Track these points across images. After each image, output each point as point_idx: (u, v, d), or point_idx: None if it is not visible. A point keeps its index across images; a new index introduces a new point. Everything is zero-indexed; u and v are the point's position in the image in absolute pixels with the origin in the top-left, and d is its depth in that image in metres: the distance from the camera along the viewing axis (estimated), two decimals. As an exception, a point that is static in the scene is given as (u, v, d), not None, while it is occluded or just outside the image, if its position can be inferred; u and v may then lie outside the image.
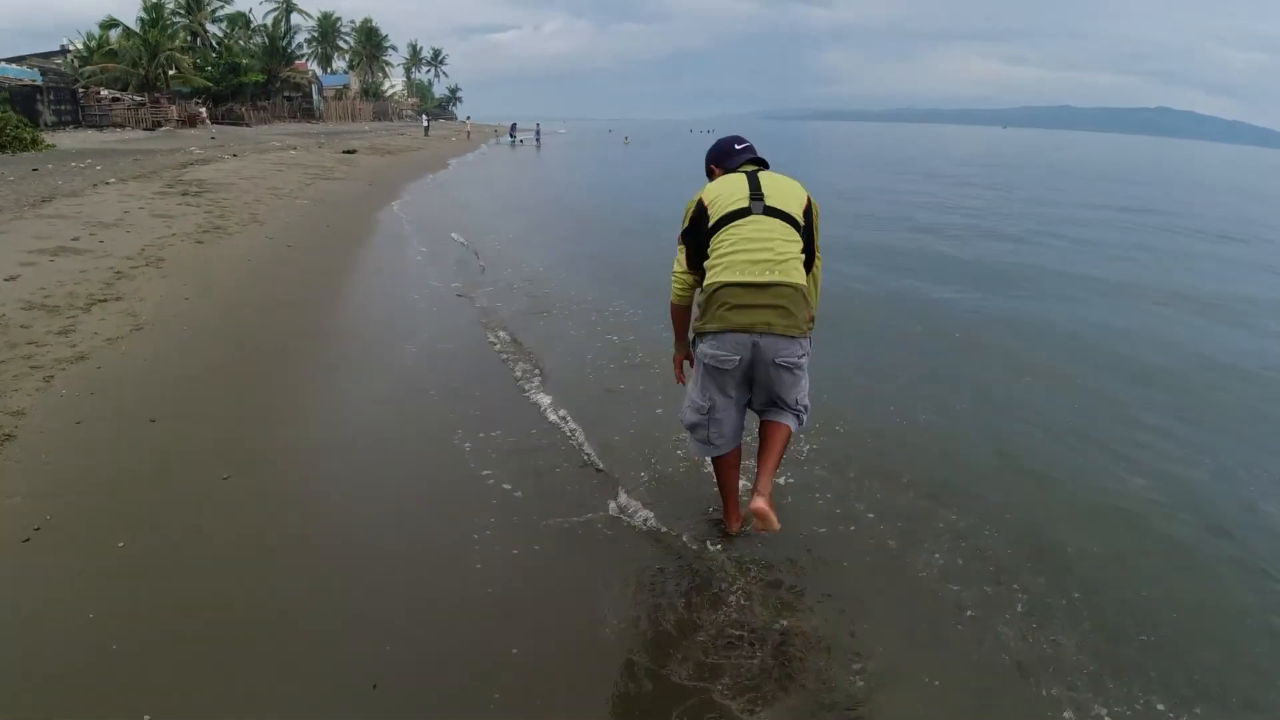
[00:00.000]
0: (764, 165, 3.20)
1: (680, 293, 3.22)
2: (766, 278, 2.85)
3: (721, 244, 2.93)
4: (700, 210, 3.01)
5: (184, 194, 12.51)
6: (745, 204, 2.94)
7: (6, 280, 6.64)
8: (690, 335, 3.23)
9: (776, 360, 2.89)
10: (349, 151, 24.57)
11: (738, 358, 2.90)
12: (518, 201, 16.92)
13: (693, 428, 3.17)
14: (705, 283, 2.99)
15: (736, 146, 3.22)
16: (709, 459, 3.34)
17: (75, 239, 8.47)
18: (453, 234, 11.10)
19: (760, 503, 2.84)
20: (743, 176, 3.04)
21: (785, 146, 48.78)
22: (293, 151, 23.25)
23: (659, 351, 5.41)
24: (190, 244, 8.73)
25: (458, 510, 3.55)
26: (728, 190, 2.99)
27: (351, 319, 6.67)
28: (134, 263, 7.62)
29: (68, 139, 26.45)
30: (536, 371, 5.39)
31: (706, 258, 3.00)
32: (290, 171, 17.55)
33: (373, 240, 10.28)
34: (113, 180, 13.60)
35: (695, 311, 3.13)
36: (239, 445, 4.07)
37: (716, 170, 3.22)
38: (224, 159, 19.43)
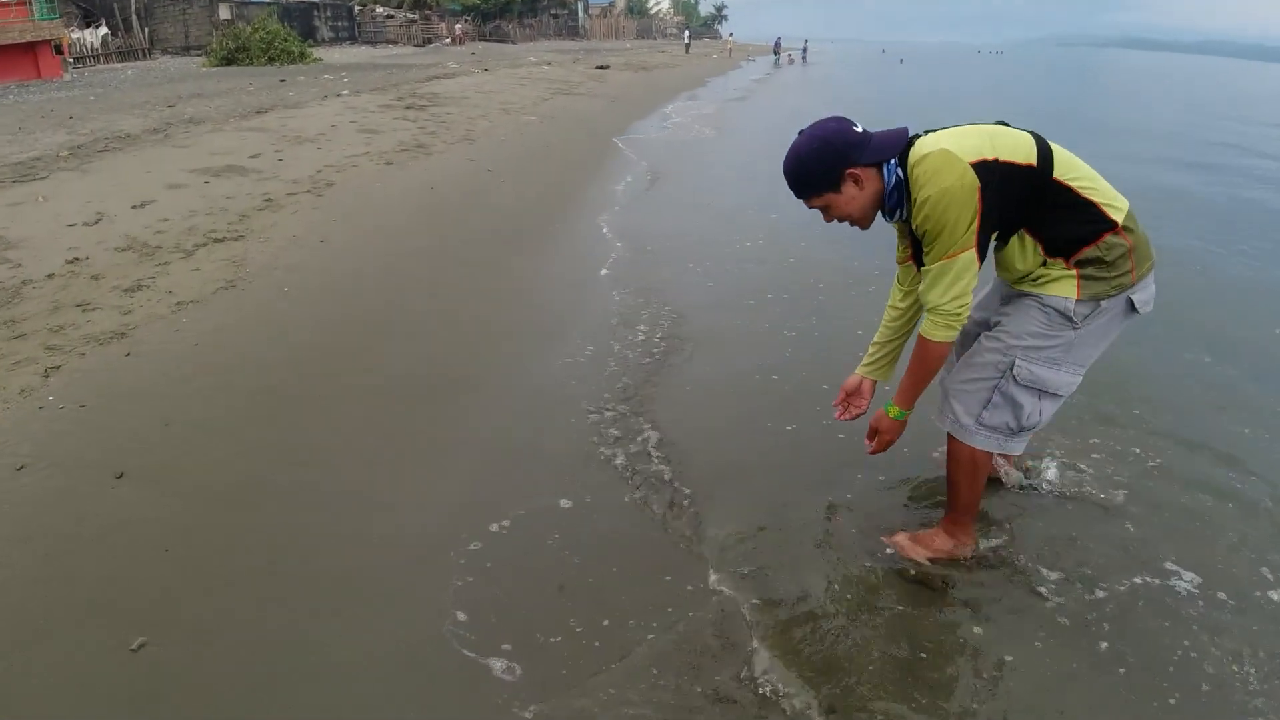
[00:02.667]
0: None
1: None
2: None
3: (1076, 177, 2.00)
4: (999, 168, 1.93)
5: (408, 107, 11.26)
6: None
7: (134, 207, 5.31)
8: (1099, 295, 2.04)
9: None
10: (602, 67, 22.89)
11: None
12: (773, 127, 14.21)
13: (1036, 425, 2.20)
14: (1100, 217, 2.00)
15: (858, 129, 2.03)
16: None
17: (255, 156, 7.20)
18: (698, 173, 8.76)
19: None
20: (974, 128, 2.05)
21: (1079, 77, 40.54)
22: (545, 67, 21.97)
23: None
24: (378, 165, 7.16)
25: None
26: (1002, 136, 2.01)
27: (522, 297, 4.40)
28: (297, 188, 6.11)
29: (339, 54, 27.24)
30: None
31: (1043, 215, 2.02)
32: (533, 87, 16.07)
33: (595, 169, 8.18)
34: (345, 92, 12.73)
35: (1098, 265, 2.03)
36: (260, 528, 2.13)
37: (860, 172, 2.01)
38: (473, 73, 18.46)
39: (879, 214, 2.11)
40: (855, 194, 2.04)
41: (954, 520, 2.33)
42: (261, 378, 3.17)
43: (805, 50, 46.79)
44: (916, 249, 2.12)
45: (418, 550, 2.25)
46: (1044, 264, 2.08)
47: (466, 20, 42.61)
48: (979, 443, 2.19)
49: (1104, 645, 1.98)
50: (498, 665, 1.84)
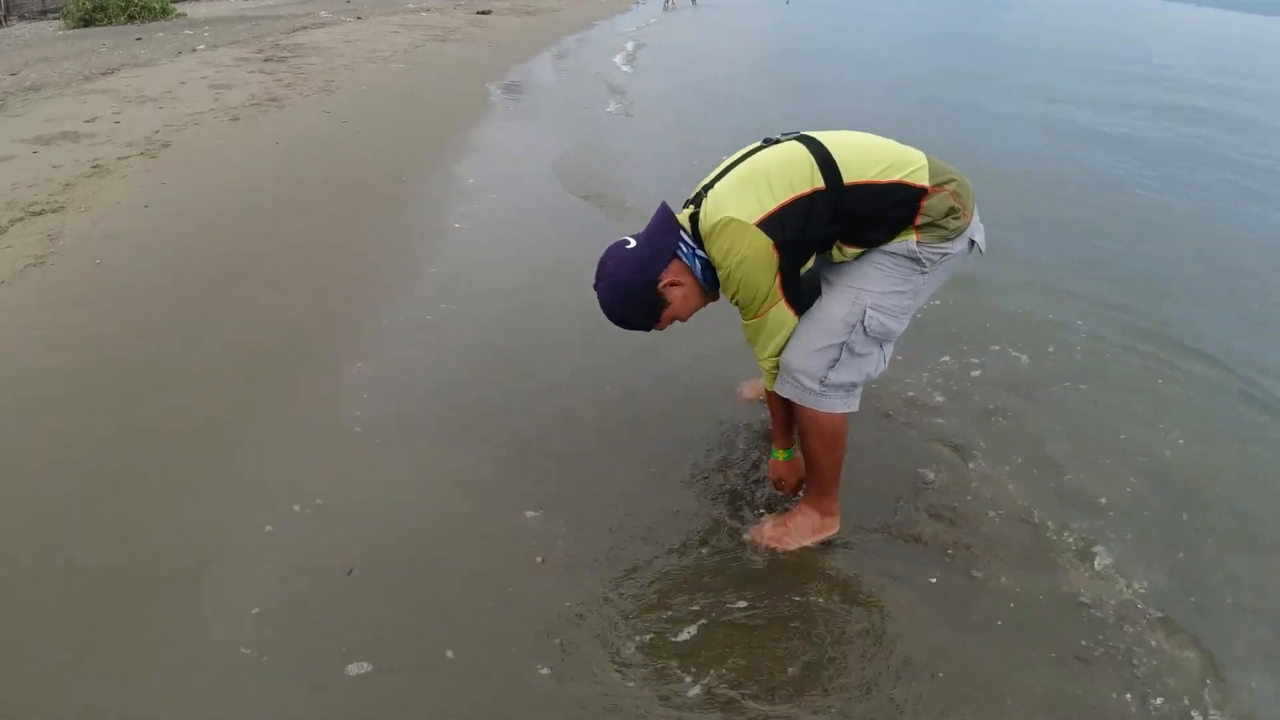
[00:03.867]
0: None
1: None
2: None
3: (865, 169, 1.96)
4: (788, 212, 1.93)
5: (267, 60, 10.75)
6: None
7: (-54, 181, 4.99)
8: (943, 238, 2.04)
9: None
10: (484, 12, 22.15)
11: None
12: (662, 73, 14.12)
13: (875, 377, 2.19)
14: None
15: (630, 244, 2.07)
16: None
17: (91, 120, 6.80)
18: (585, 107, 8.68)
19: None
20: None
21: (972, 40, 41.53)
22: (424, 13, 21.15)
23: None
24: (223, 122, 6.86)
25: None
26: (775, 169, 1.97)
27: (366, 253, 4.32)
28: (130, 150, 5.82)
29: (205, 8, 25.59)
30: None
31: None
32: (408, 34, 15.49)
33: (462, 116, 8.03)
34: (202, 47, 12.07)
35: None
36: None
37: (668, 276, 2.03)
38: (345, 21, 17.66)
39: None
40: (682, 293, 2.06)
41: (819, 494, 2.28)
42: (68, 357, 3.08)
43: None
44: None
45: (215, 539, 2.20)
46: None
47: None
48: (828, 405, 2.10)
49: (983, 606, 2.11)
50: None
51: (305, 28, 15.84)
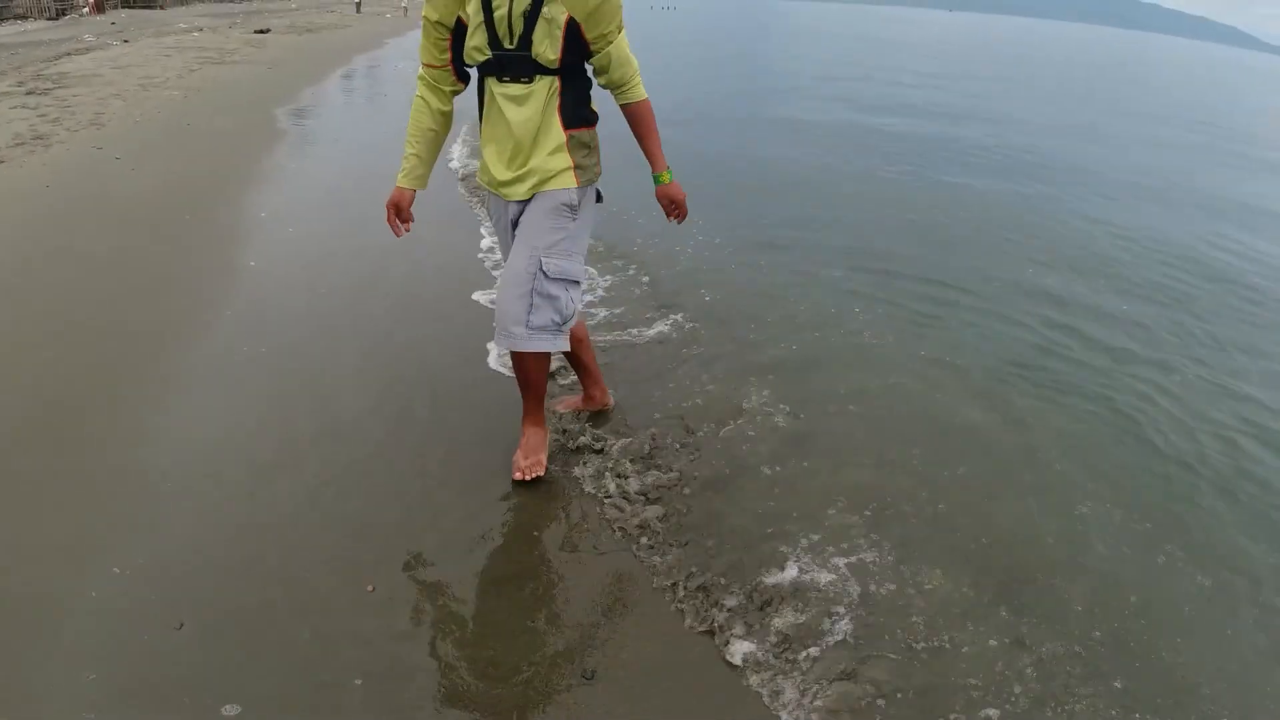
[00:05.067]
0: None
1: None
2: None
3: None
4: None
5: (29, 93, 10.29)
6: None
7: None
8: (587, 182, 2.63)
9: None
10: (262, 31, 21.62)
11: None
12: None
13: (573, 314, 2.66)
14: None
15: None
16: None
17: None
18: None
19: None
20: None
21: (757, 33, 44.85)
22: (195, 34, 20.38)
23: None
24: (-15, 165, 6.70)
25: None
26: None
27: (153, 294, 4.22)
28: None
29: (-58, 34, 23.16)
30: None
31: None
32: (180, 57, 15.04)
33: (244, 145, 8.18)
34: (-55, 81, 11.24)
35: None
36: None
37: None
38: (111, 46, 16.81)
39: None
40: None
41: (537, 420, 2.83)
42: None
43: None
44: (457, 53, 2.45)
45: (27, 604, 2.16)
46: (552, 150, 2.46)
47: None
48: (536, 345, 2.52)
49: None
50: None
51: (69, 54, 15.01)
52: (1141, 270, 5.77)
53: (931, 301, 4.80)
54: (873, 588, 2.40)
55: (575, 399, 3.27)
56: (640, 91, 2.55)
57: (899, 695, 2.05)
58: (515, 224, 2.60)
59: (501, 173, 2.51)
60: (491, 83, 2.45)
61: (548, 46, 2.33)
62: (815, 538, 2.60)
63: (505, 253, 2.68)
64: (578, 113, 2.50)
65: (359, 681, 1.99)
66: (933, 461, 3.13)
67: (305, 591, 2.27)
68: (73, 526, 2.47)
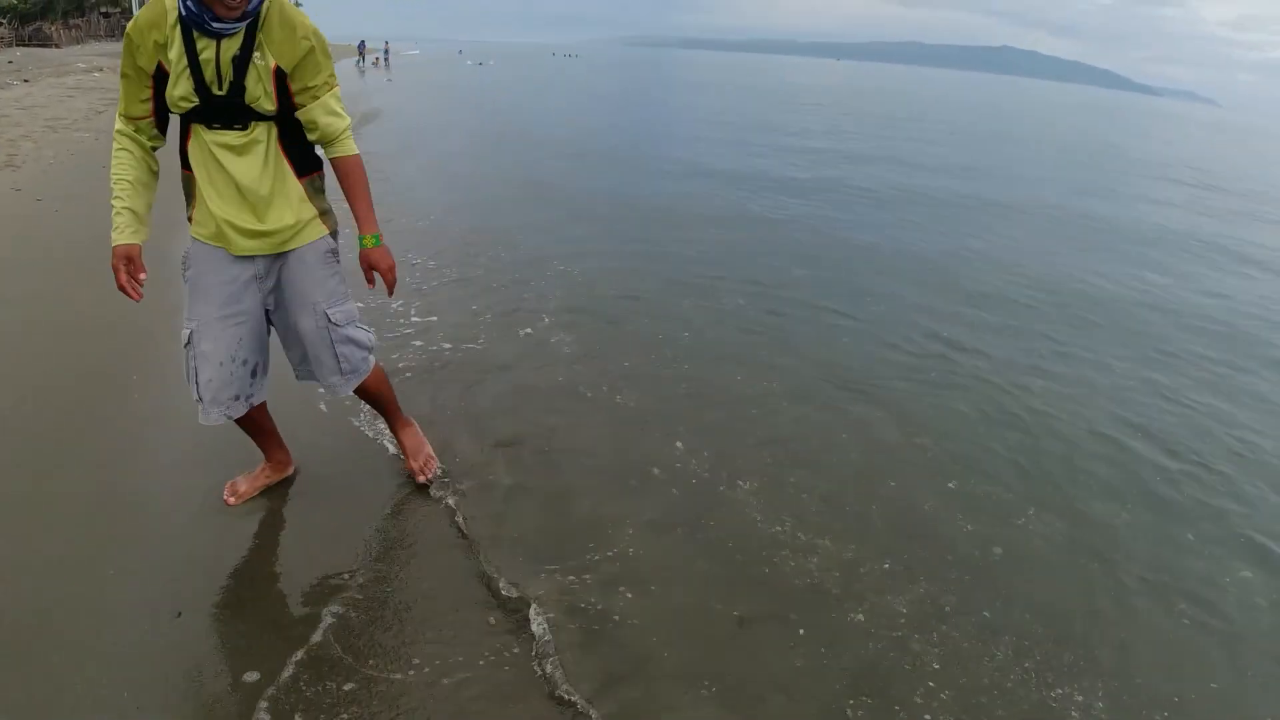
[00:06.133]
0: None
1: None
2: None
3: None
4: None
5: (-70, 135, 10.01)
6: None
7: None
8: (334, 226, 2.60)
9: None
10: (168, 70, 21.24)
11: None
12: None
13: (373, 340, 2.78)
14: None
15: None
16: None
17: None
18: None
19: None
20: None
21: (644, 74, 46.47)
22: (96, 74, 19.96)
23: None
24: (-101, 209, 6.63)
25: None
26: None
27: (91, 337, 4.25)
28: None
29: None
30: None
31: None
32: (85, 97, 14.81)
33: (174, 186, 8.16)
34: None
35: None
36: None
37: None
38: (12, 85, 16.32)
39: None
40: None
41: (404, 424, 3.04)
42: None
43: (387, 52, 45.49)
44: (160, 106, 2.25)
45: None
46: (295, 201, 2.38)
47: (3, 24, 36.18)
48: (358, 379, 2.67)
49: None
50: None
51: (-37, 95, 14.50)
52: (984, 285, 6.58)
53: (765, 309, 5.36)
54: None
55: (258, 476, 2.91)
56: (351, 146, 2.40)
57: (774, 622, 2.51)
58: (259, 279, 2.47)
59: (241, 225, 2.35)
60: (200, 130, 2.27)
61: (262, 93, 2.20)
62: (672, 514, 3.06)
63: (209, 306, 2.44)
64: (306, 158, 2.43)
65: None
66: (821, 447, 3.66)
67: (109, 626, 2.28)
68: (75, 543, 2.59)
